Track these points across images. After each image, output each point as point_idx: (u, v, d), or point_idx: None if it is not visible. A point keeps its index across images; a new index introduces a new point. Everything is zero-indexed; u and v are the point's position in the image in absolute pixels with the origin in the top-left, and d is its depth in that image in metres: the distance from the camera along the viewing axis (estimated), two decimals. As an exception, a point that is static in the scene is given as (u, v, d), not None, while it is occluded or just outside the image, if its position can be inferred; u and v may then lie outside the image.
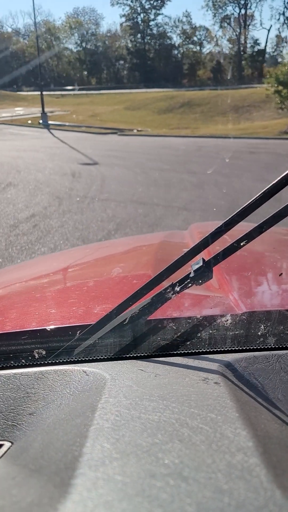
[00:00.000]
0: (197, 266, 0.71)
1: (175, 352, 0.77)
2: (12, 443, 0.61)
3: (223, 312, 0.82)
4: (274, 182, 0.64)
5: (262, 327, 0.79)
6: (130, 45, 73.86)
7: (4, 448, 0.59)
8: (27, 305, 1.04)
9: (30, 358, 0.78)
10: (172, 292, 0.72)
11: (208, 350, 0.78)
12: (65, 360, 0.77)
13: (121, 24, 75.81)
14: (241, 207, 0.66)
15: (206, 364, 0.71)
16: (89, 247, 2.49)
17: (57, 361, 0.77)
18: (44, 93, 28.38)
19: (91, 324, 0.77)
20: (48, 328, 0.81)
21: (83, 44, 76.00)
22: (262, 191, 0.65)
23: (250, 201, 0.66)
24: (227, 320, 0.79)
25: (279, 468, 0.43)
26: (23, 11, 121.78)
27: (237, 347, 0.79)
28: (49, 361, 0.77)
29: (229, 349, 0.78)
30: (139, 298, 0.73)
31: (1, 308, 1.06)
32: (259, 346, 0.79)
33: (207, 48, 73.29)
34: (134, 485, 0.41)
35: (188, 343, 0.78)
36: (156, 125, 24.21)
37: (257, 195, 0.65)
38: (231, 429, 0.50)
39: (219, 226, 0.69)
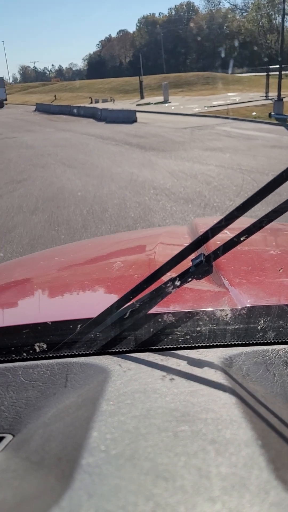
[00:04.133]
0: (197, 261, 0.72)
1: (175, 346, 0.78)
2: (13, 435, 0.62)
3: (223, 307, 0.81)
4: (274, 177, 0.63)
5: (262, 321, 0.80)
6: None
7: (5, 441, 0.60)
8: (29, 299, 1.09)
9: (31, 351, 0.79)
10: (172, 287, 0.73)
11: (208, 344, 0.78)
12: (66, 354, 0.78)
13: None
14: (241, 202, 0.66)
15: (206, 358, 0.72)
16: (90, 242, 2.41)
17: (58, 355, 0.78)
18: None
19: (92, 318, 0.77)
20: (49, 321, 0.81)
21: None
22: (262, 186, 0.65)
23: (250, 196, 0.66)
24: (227, 314, 0.80)
25: (279, 461, 0.44)
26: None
27: (236, 341, 0.79)
28: (50, 355, 0.78)
29: (229, 343, 0.79)
30: (140, 293, 0.74)
31: (3, 301, 1.09)
32: (258, 340, 0.79)
33: None
34: (135, 477, 0.42)
35: (187, 337, 0.79)
36: None
37: (257, 190, 0.65)
38: (231, 422, 0.51)
39: (219, 221, 0.68)
